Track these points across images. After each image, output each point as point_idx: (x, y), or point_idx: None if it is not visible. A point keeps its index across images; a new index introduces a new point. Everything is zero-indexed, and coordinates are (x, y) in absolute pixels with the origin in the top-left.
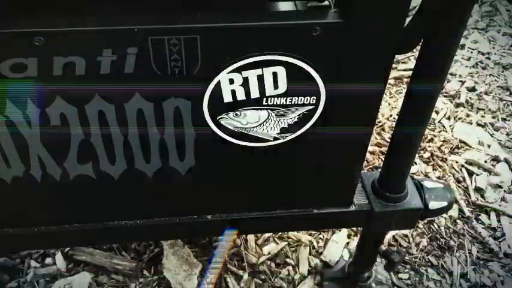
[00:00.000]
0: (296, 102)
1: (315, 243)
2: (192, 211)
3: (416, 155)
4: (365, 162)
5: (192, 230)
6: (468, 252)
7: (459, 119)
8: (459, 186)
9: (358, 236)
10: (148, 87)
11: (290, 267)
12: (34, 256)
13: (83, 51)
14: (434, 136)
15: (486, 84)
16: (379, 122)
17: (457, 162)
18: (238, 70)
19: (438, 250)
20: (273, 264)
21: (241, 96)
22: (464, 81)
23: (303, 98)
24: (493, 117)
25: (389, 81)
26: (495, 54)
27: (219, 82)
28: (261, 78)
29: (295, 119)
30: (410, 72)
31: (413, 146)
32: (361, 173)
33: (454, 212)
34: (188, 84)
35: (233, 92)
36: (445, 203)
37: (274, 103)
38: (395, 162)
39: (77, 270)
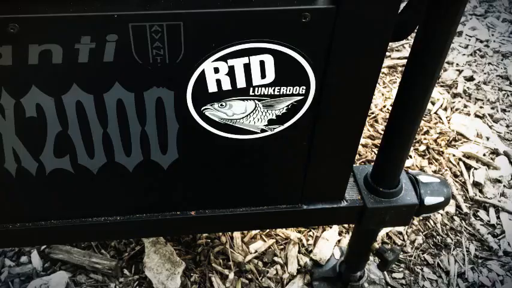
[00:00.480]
0: (285, 93)
1: (304, 241)
2: (175, 207)
3: (411, 148)
4: (357, 155)
5: (175, 227)
6: (466, 250)
7: (456, 110)
8: (456, 181)
9: (350, 233)
10: (129, 77)
11: (278, 266)
12: (9, 255)
13: (60, 39)
14: (430, 128)
15: (485, 74)
16: (372, 113)
17: (454, 155)
18: (224, 58)
19: (434, 248)
20: (260, 263)
21: (226, 86)
22: (462, 70)
23: (291, 87)
24: (492, 108)
25: (382, 70)
26: (494, 41)
27: (203, 71)
28: (247, 67)
29: (284, 110)
30: (404, 61)
31: (408, 138)
32: (353, 166)
33: (451, 208)
34: (171, 74)
35: (218, 82)
36: (441, 199)
37: (262, 93)
38: (389, 156)
39: (53, 269)
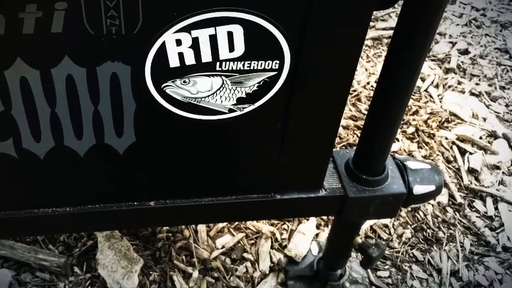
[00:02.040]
0: (256, 68)
1: (277, 235)
2: (132, 197)
3: (399, 130)
4: (337, 138)
5: (131, 219)
6: (460, 245)
7: (449, 87)
8: (449, 167)
9: (330, 226)
10: (80, 50)
11: (248, 264)
12: None
13: (2, 7)
14: (420, 108)
15: (481, 46)
16: (354, 90)
17: (446, 138)
18: (187, 29)
19: (424, 243)
20: (228, 260)
21: (190, 60)
22: (456, 43)
23: (263, 62)
24: (490, 85)
25: (366, 42)
26: (492, 10)
27: (163, 43)
28: (213, 39)
29: (255, 88)
30: (391, 32)
31: (394, 119)
32: (333, 151)
33: (443, 197)
34: (127, 46)
35: (181, 55)
36: (432, 187)
37: (230, 68)
38: (373, 139)
39: None
